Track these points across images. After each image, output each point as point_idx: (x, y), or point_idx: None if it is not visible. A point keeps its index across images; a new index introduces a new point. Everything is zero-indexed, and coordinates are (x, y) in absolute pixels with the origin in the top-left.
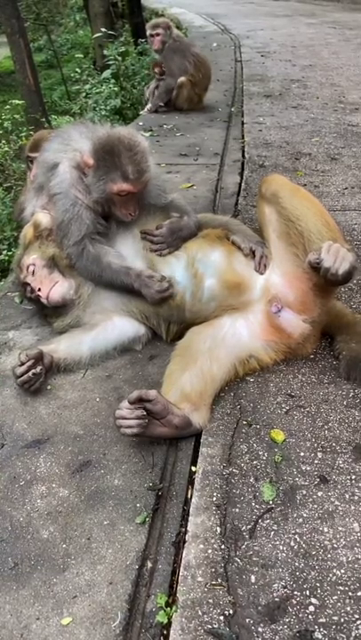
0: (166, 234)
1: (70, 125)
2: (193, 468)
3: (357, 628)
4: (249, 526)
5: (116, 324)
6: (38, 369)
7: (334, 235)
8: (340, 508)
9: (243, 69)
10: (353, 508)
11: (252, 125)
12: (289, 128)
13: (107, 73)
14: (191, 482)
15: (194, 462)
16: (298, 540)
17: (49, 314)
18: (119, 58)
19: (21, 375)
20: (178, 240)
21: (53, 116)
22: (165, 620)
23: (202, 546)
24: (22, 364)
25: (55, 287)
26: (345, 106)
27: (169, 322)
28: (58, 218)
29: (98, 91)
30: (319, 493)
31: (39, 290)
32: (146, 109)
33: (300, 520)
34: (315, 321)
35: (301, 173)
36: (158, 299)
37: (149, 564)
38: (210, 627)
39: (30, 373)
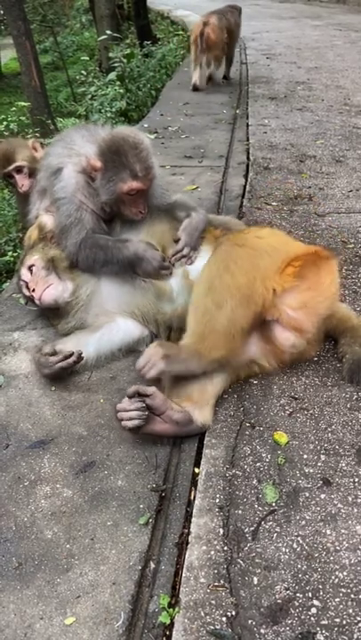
0: (188, 240)
1: (72, 129)
2: (196, 470)
3: (360, 630)
4: (252, 528)
5: (120, 326)
6: (76, 355)
7: (201, 343)
8: (342, 511)
9: (248, 71)
10: (356, 510)
11: (257, 127)
12: (294, 130)
13: (112, 75)
14: (194, 483)
15: (197, 464)
16: (300, 542)
17: (50, 316)
18: (124, 60)
19: (59, 362)
20: (198, 239)
21: (59, 118)
22: (168, 621)
23: (204, 547)
24: (53, 354)
25: (48, 289)
26: (350, 108)
27: (170, 328)
28: (61, 222)
29: (103, 93)
30: (322, 496)
31: (33, 290)
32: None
33: (303, 522)
34: (309, 340)
35: (306, 176)
36: (155, 268)
37: (152, 565)
38: (212, 628)
39: (71, 361)
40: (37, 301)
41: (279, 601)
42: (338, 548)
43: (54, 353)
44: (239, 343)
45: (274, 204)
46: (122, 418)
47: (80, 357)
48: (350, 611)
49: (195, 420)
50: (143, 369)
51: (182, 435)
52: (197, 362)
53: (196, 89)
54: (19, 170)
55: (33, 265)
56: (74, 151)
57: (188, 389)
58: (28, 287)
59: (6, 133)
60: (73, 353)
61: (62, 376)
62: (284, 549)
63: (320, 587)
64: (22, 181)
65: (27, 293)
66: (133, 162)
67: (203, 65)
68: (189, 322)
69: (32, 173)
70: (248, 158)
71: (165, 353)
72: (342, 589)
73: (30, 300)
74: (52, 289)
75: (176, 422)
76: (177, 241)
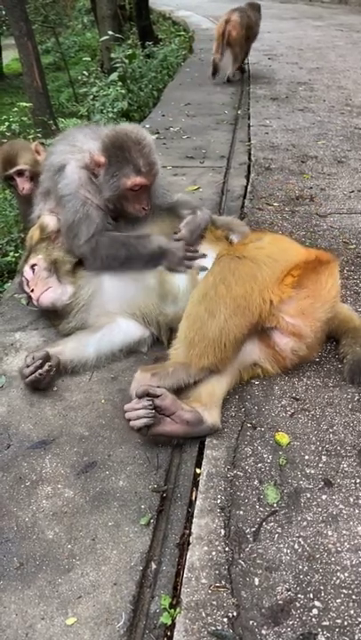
0: (188, 236)
1: (74, 128)
2: (197, 471)
3: None
4: (253, 529)
5: (121, 327)
6: (46, 367)
7: (190, 350)
8: (344, 512)
9: (249, 72)
10: (357, 511)
11: (259, 128)
12: (295, 131)
13: (114, 75)
14: (195, 484)
15: (198, 464)
16: (302, 543)
17: (51, 317)
18: (126, 60)
19: (29, 375)
20: (198, 237)
21: (60, 119)
22: (169, 622)
23: (206, 548)
24: (29, 365)
25: (47, 292)
26: (352, 109)
27: (171, 330)
28: (68, 219)
29: (105, 93)
30: (323, 497)
31: (32, 290)
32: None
33: (305, 523)
34: (308, 345)
35: (308, 176)
36: (181, 258)
37: (153, 566)
38: (213, 628)
39: (37, 374)
40: (35, 302)
41: (280, 602)
42: (339, 549)
43: (29, 365)
44: (231, 353)
45: (275, 204)
46: (130, 418)
47: (50, 369)
48: (352, 612)
49: (205, 420)
50: (132, 418)
51: (192, 435)
52: (186, 371)
53: (215, 72)
54: (20, 173)
55: (35, 264)
56: (76, 148)
57: (196, 392)
58: (28, 286)
59: (8, 134)
60: (43, 365)
61: (39, 387)
62: (285, 550)
63: (321, 588)
64: (23, 184)
65: (27, 290)
66: (137, 157)
67: (223, 59)
68: (181, 328)
69: (33, 177)
70: (250, 159)
71: (152, 372)
72: (344, 590)
73: (30, 297)
74: (50, 292)
75: (187, 422)
76: (176, 234)
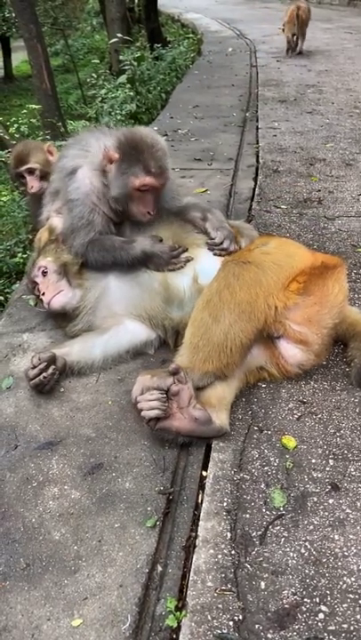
0: (225, 233)
1: (86, 132)
2: (204, 473)
3: None
4: (259, 532)
5: (128, 328)
6: (50, 371)
7: (194, 355)
8: (351, 516)
9: (258, 74)
10: None
11: (267, 130)
12: (304, 133)
13: (122, 78)
14: (202, 486)
15: (205, 467)
16: (308, 547)
17: (58, 319)
18: (135, 63)
19: (34, 378)
20: (230, 229)
21: (69, 121)
22: (175, 624)
23: (212, 551)
24: (34, 367)
25: (58, 296)
26: (360, 111)
27: (177, 332)
28: (73, 223)
29: (113, 95)
30: (330, 501)
31: (43, 294)
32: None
33: (311, 527)
34: (316, 352)
35: (316, 179)
36: (166, 260)
37: (159, 568)
38: (219, 632)
39: (42, 377)
40: (46, 306)
41: (287, 606)
42: (346, 553)
43: (34, 366)
44: (237, 358)
45: (283, 207)
46: (142, 408)
47: (54, 372)
48: (358, 617)
49: (213, 421)
50: (144, 408)
51: (199, 434)
52: (188, 376)
53: (289, 49)
54: (30, 171)
55: (45, 267)
56: (90, 153)
57: (205, 396)
58: (38, 289)
59: (17, 135)
60: (48, 368)
61: (43, 390)
62: (291, 554)
63: (328, 592)
64: (32, 183)
65: (37, 293)
66: (148, 158)
67: (291, 40)
68: (186, 334)
69: (44, 176)
70: (258, 161)
71: (152, 374)
72: (350, 595)
73: (40, 300)
74: (61, 296)
75: (195, 419)
76: (211, 239)
